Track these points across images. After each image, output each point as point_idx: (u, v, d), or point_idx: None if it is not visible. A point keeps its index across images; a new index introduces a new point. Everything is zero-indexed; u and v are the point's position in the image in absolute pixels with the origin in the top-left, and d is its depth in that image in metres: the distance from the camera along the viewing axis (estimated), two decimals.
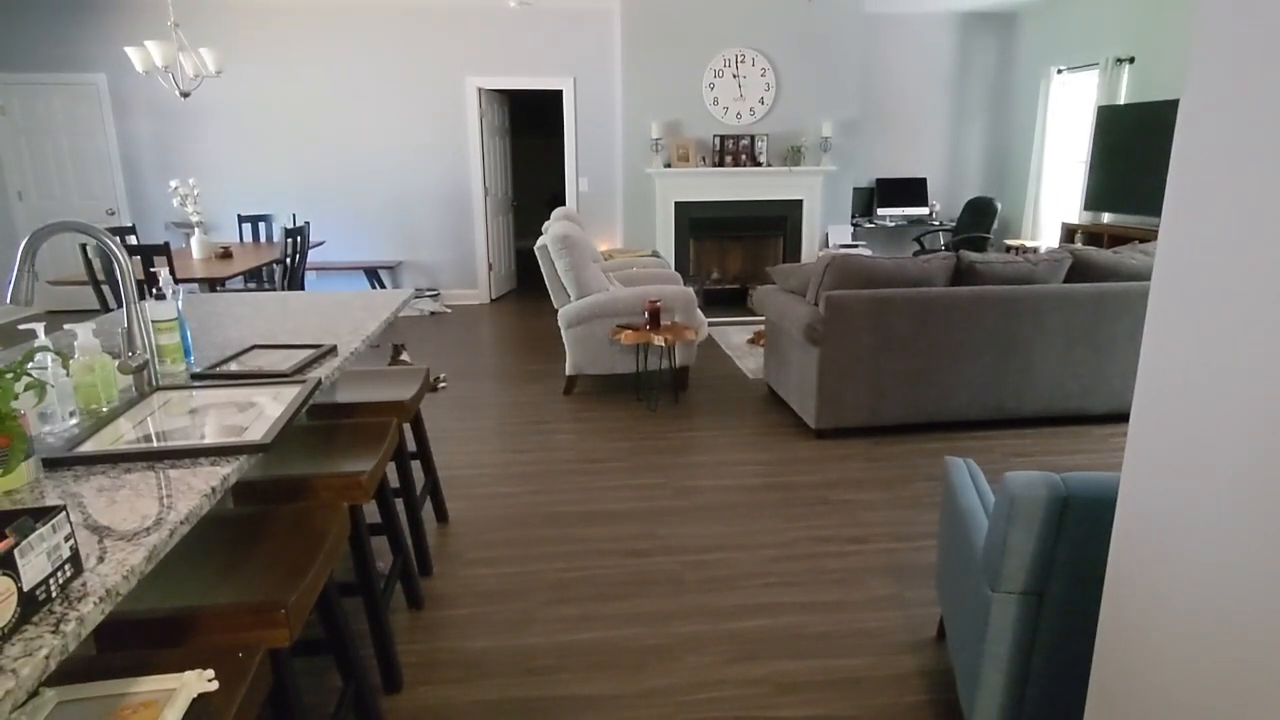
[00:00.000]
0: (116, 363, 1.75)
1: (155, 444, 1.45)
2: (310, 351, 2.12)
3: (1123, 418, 4.28)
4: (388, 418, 2.41)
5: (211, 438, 1.50)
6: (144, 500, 1.25)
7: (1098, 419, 4.28)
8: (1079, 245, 5.04)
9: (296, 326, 2.48)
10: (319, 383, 1.86)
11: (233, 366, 2.00)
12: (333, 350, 2.15)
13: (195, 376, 1.91)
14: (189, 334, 2.04)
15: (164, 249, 4.34)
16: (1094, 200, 6.48)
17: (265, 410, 1.67)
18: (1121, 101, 6.41)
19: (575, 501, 3.38)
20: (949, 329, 3.97)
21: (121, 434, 1.54)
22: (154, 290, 1.91)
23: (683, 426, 4.30)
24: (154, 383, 1.83)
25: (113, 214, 7.25)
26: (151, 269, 4.41)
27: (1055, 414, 4.19)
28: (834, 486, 3.51)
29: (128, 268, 1.75)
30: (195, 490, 1.28)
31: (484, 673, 2.26)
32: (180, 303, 1.99)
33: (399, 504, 3.13)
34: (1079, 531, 1.51)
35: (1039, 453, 3.88)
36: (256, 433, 1.52)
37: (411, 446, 3.08)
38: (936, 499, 3.38)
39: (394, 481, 3.29)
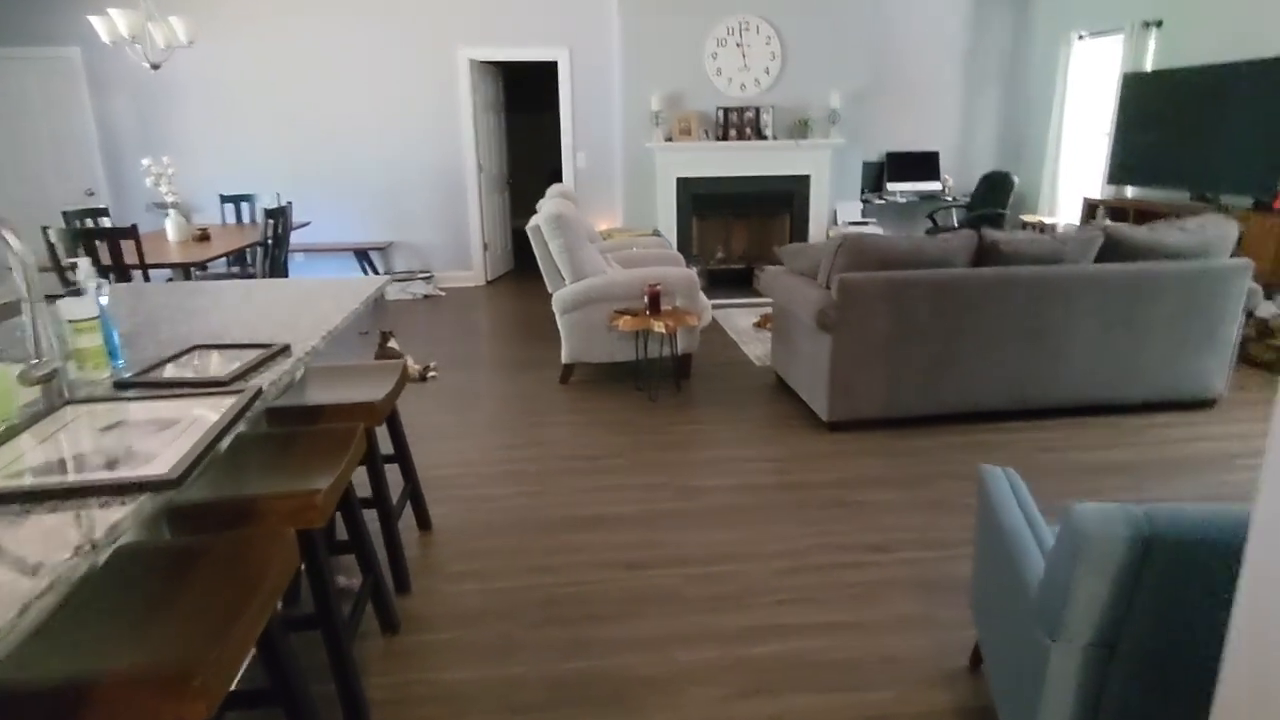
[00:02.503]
0: (18, 371, 1.49)
1: (31, 481, 1.19)
2: (259, 352, 1.85)
3: (1158, 407, 4.01)
4: (354, 423, 2.15)
5: (114, 467, 1.24)
6: (1, 563, 0.99)
7: (1131, 409, 4.00)
8: (1109, 221, 4.74)
9: (254, 321, 2.22)
10: (259, 392, 1.59)
11: (166, 372, 1.73)
12: (285, 350, 1.88)
13: (119, 385, 1.65)
14: (115, 334, 1.77)
15: (130, 232, 4.06)
16: (1118, 174, 6.16)
17: (190, 428, 1.40)
18: (1148, 68, 6.07)
19: (569, 505, 3.12)
20: (971, 313, 3.69)
21: (20, 455, 1.28)
22: (68, 285, 1.64)
23: (685, 418, 4.04)
24: (65, 394, 1.57)
25: (92, 194, 6.96)
26: (81, 257, 4.14)
27: (1084, 404, 3.91)
28: (850, 486, 3.25)
29: (27, 261, 1.48)
30: (68, 544, 1.02)
31: (462, 710, 2.01)
32: (104, 298, 1.72)
33: (373, 514, 2.87)
34: (1165, 578, 1.25)
35: (1068, 447, 3.61)
36: (166, 462, 1.25)
37: (389, 449, 2.82)
38: (962, 501, 3.12)
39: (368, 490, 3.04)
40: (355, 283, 2.69)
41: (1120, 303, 3.76)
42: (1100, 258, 3.87)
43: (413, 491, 2.87)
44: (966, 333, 3.71)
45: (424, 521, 2.94)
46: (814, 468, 3.42)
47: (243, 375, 1.69)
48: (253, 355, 1.82)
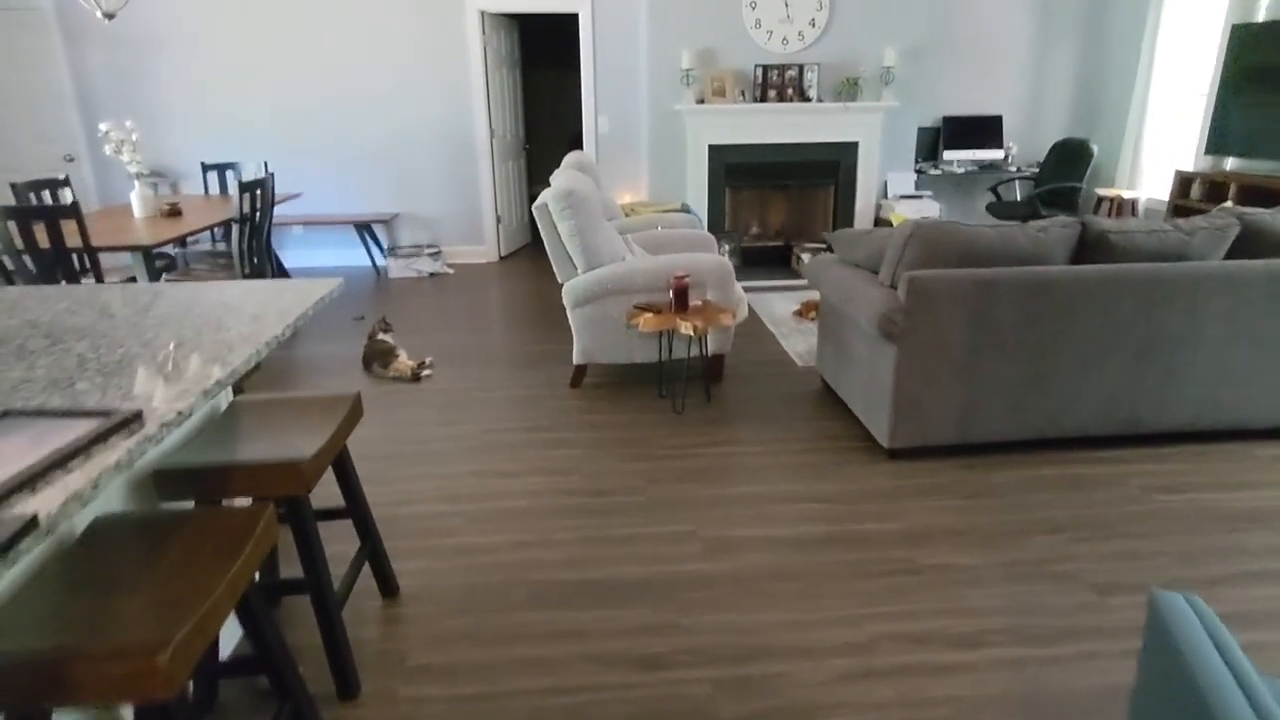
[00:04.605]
0: None
1: None
2: (90, 427, 1.24)
3: None
4: (260, 505, 1.55)
5: None
6: None
7: (1259, 435, 3.30)
8: (1230, 204, 3.99)
9: (131, 352, 1.61)
10: (29, 527, 0.98)
11: None
12: (130, 422, 1.27)
13: None
14: None
15: (71, 211, 3.48)
16: (1218, 143, 5.34)
17: None
18: (1261, 18, 5.21)
19: (571, 562, 2.52)
20: (1070, 320, 3.00)
21: None
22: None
23: (716, 437, 3.41)
24: None
25: (71, 160, 6.41)
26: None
27: (1203, 429, 3.22)
28: (921, 541, 2.61)
29: None
30: None
31: None
32: None
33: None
34: None
35: (1191, 485, 2.93)
36: None
37: (339, 500, 2.22)
38: (1064, 567, 2.47)
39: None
40: (292, 292, 2.07)
41: (1254, 307, 3.04)
42: (1230, 253, 3.15)
43: (373, 551, 2.28)
44: (1063, 343, 3.03)
45: (388, 587, 2.36)
46: (874, 513, 2.78)
47: (28, 483, 1.08)
48: (74, 434, 1.21)
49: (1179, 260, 3.06)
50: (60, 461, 1.13)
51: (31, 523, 0.99)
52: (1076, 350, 3.04)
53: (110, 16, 4.13)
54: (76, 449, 1.16)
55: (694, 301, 3.72)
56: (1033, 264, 3.02)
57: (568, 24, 9.11)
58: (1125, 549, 2.56)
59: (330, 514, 2.24)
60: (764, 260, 6.62)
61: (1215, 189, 5.35)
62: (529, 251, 7.52)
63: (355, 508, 2.20)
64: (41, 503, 1.04)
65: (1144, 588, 2.35)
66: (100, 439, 1.21)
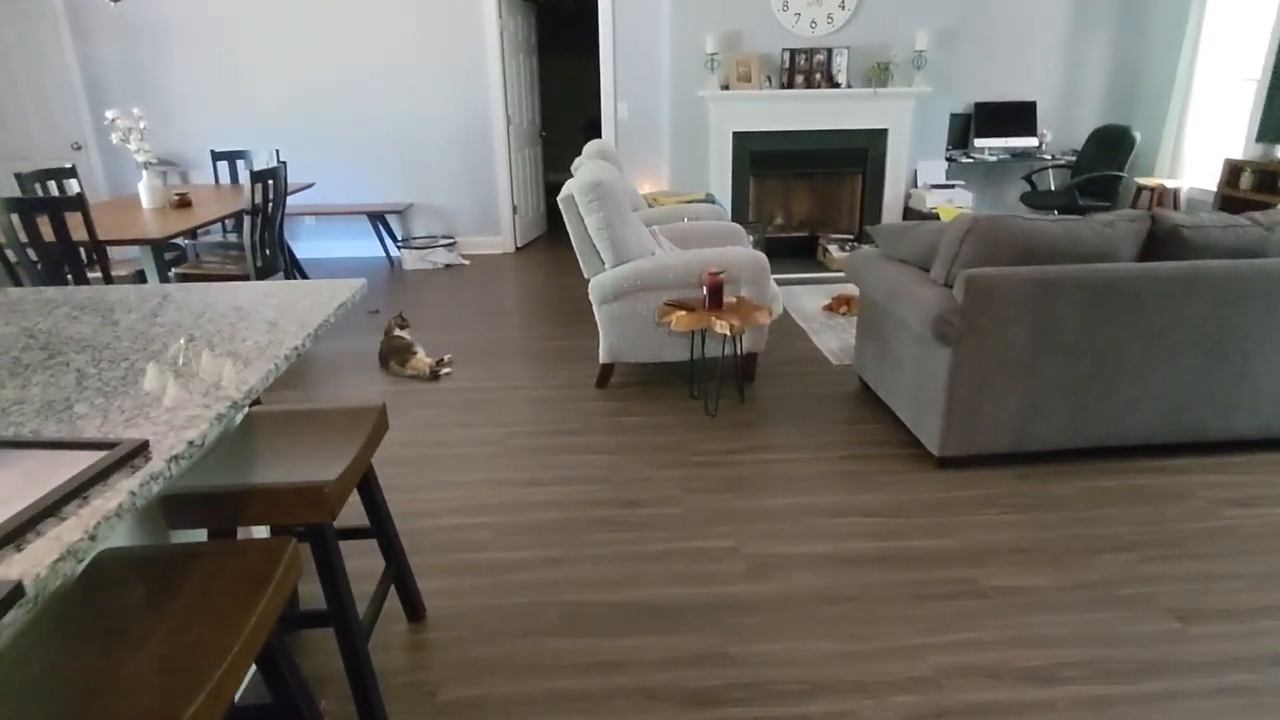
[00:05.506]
0: None
1: None
2: (85, 463, 1.08)
3: None
4: (281, 540, 1.39)
5: None
6: None
7: None
8: None
9: (131, 371, 1.45)
10: (15, 596, 0.82)
11: None
12: (134, 456, 1.11)
13: None
14: None
15: (76, 203, 3.32)
16: (1271, 130, 5.10)
17: None
18: None
19: (606, 581, 2.36)
20: (1137, 321, 2.80)
21: None
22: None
23: (752, 442, 3.24)
24: None
25: (80, 149, 6.27)
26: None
27: (1273, 437, 3.03)
28: (980, 559, 2.44)
29: None
30: None
31: None
32: None
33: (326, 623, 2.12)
34: None
35: (1264, 499, 2.74)
36: None
37: (362, 518, 2.07)
38: (1136, 588, 2.29)
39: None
40: (312, 296, 1.91)
41: None
42: None
43: (398, 573, 2.13)
44: (1128, 345, 2.84)
45: (414, 610, 2.20)
46: (927, 528, 2.61)
47: (14, 536, 0.92)
48: (70, 471, 1.05)
49: (1256, 257, 2.86)
50: (52, 507, 0.97)
51: (16, 591, 0.83)
52: (1142, 353, 2.85)
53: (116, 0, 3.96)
54: (72, 491, 1.00)
55: (728, 298, 3.54)
56: (1098, 261, 2.83)
57: (584, 8, 8.89)
58: (1200, 570, 2.38)
59: (353, 533, 2.09)
60: (789, 252, 6.42)
61: (1267, 179, 5.12)
62: (546, 242, 7.34)
63: (381, 528, 2.04)
64: (29, 563, 0.88)
65: (1227, 614, 2.18)
66: (100, 477, 1.05)
